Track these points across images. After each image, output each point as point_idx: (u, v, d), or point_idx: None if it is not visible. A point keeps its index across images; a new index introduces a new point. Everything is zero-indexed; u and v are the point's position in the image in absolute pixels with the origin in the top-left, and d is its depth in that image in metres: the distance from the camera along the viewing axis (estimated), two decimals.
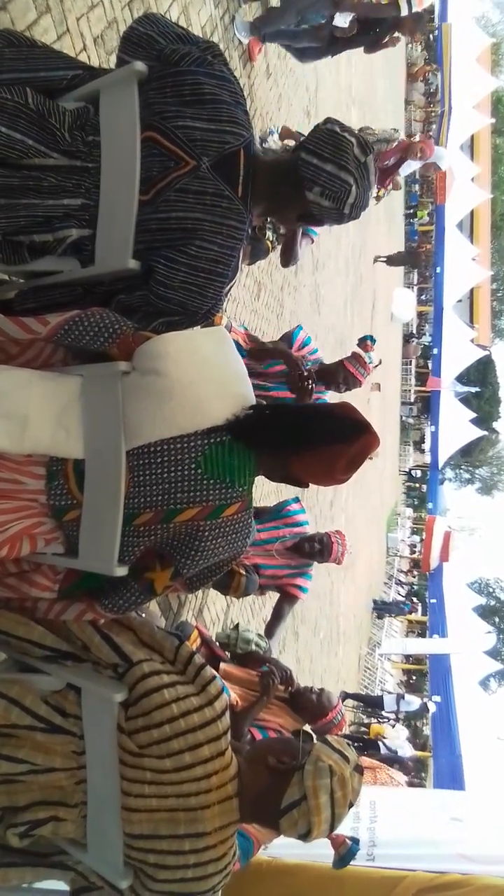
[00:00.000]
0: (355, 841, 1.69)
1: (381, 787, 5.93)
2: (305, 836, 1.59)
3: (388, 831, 3.54)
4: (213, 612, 4.68)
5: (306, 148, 1.70)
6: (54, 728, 1.63)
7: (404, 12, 5.17)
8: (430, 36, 24.18)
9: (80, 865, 1.68)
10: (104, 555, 1.57)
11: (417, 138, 8.49)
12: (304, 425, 1.63)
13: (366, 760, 10.67)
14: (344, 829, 1.69)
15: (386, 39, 5.30)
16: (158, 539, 1.60)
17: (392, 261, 15.97)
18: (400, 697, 13.83)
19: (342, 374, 3.67)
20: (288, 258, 4.01)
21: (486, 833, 3.65)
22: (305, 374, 3.37)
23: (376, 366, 3.90)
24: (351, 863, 1.79)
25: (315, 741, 1.70)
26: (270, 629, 3.79)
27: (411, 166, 7.50)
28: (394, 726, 11.98)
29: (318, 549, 3.66)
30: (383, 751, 11.28)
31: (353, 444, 1.60)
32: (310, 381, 3.35)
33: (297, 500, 3.97)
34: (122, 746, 1.58)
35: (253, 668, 3.21)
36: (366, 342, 3.74)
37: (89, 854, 1.64)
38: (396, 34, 5.46)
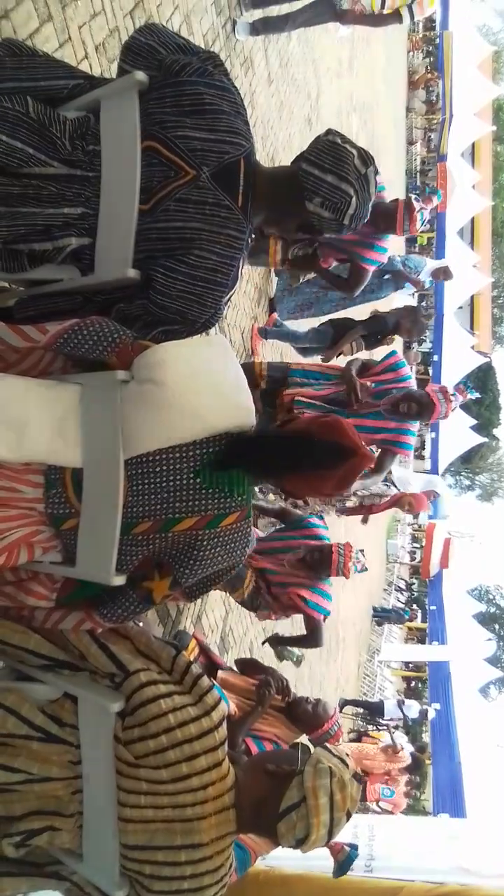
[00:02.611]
0: (354, 847, 1.69)
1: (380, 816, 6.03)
2: (303, 841, 1.58)
3: (386, 846, 3.54)
4: (211, 620, 4.67)
5: (307, 159, 1.70)
6: (51, 737, 1.62)
7: (406, 22, 5.19)
8: (432, 37, 24.29)
9: (76, 876, 1.67)
10: (102, 564, 1.57)
11: (413, 489, 9.04)
12: (287, 454, 1.61)
13: (370, 740, 10.71)
14: (341, 840, 1.69)
15: (384, 339, 5.50)
16: (157, 548, 1.59)
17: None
18: (400, 702, 13.79)
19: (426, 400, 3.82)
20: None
21: (485, 847, 3.64)
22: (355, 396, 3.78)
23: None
24: (349, 873, 1.79)
25: (314, 748, 1.70)
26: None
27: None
28: (393, 734, 11.93)
29: (318, 558, 3.62)
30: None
31: (339, 469, 1.59)
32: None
33: (321, 516, 3.97)
34: (119, 756, 1.58)
35: (251, 677, 3.20)
36: (461, 387, 3.94)
37: (85, 864, 1.63)
38: (394, 336, 5.67)
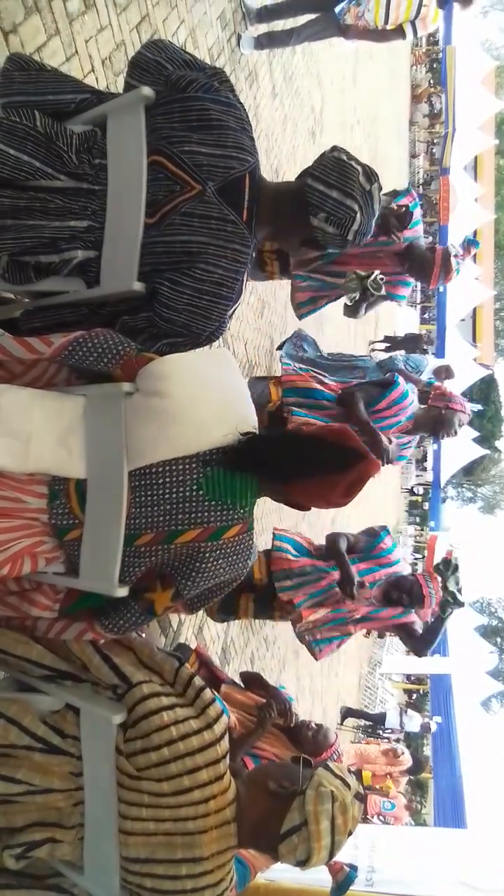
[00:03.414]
0: (353, 868, 1.68)
1: (381, 826, 5.98)
2: (304, 863, 1.58)
3: (386, 858, 3.51)
4: (213, 631, 4.66)
5: (312, 174, 1.72)
6: (52, 749, 1.62)
7: (409, 37, 5.22)
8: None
9: (76, 888, 1.66)
10: (105, 575, 1.57)
11: None
12: (296, 455, 1.61)
13: (372, 741, 10.77)
14: (342, 857, 1.68)
15: None
16: (159, 560, 1.60)
17: (393, 343, 15.23)
18: (402, 712, 13.74)
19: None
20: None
21: (486, 862, 3.62)
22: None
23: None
24: (350, 889, 1.78)
25: (317, 767, 1.69)
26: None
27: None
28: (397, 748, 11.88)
29: (407, 600, 3.50)
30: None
31: (348, 473, 1.59)
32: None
33: (387, 531, 3.90)
34: (120, 769, 1.57)
35: (254, 693, 3.18)
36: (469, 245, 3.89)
37: (86, 877, 1.63)
38: None
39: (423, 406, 3.93)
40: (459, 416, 3.87)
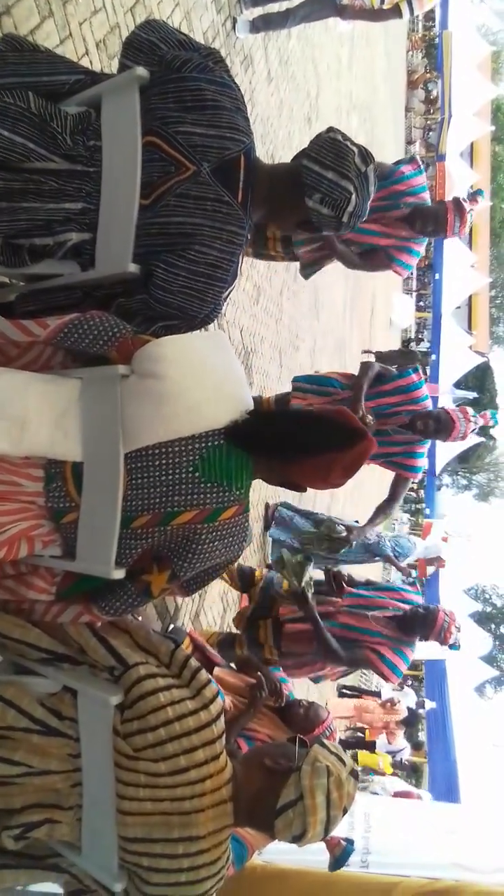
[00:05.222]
0: (350, 842, 1.70)
1: (375, 798, 6.02)
2: (300, 838, 1.59)
3: (382, 840, 3.54)
4: (209, 617, 4.68)
5: (308, 155, 1.71)
6: (50, 730, 1.63)
7: (406, 16, 5.18)
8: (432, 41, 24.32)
9: (75, 868, 1.68)
10: (102, 557, 1.58)
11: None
12: (301, 432, 1.63)
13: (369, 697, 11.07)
14: (338, 833, 1.69)
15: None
16: (156, 542, 1.60)
17: (383, 357, 14.81)
18: (397, 689, 13.85)
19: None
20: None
21: (480, 843, 3.65)
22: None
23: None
24: (345, 868, 1.80)
25: (312, 744, 1.70)
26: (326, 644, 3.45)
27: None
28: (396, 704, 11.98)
29: (422, 615, 3.52)
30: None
31: (349, 452, 1.60)
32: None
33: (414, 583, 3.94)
34: (118, 749, 1.58)
35: (248, 676, 3.20)
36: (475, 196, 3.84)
37: (84, 857, 1.64)
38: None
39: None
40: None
